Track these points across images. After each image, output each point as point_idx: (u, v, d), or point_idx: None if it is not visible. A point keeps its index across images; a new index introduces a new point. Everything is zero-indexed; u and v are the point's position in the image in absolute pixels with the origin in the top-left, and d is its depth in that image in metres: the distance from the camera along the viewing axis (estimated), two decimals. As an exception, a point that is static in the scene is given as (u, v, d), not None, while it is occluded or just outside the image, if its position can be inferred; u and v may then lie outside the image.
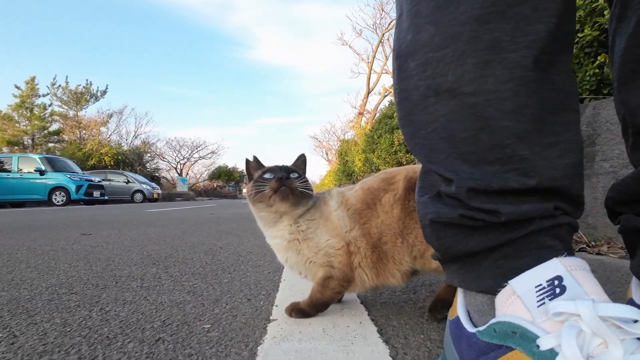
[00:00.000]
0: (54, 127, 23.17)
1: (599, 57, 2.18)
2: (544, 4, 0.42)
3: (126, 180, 16.72)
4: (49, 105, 23.04)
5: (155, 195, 17.13)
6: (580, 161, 0.47)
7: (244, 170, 0.92)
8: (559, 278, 0.39)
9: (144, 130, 34.40)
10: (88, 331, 0.78)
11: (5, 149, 19.50)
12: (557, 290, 0.38)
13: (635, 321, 0.34)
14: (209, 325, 0.80)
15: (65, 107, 24.36)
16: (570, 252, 0.44)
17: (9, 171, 11.28)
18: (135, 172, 20.84)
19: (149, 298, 1.03)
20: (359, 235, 0.79)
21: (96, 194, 12.63)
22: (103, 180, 14.70)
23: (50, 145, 22.74)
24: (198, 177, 38.10)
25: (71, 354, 0.67)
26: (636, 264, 0.56)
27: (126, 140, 28.08)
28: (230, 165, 40.92)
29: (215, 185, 37.13)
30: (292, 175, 0.83)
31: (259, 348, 0.67)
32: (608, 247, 1.70)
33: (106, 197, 13.49)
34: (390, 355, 0.63)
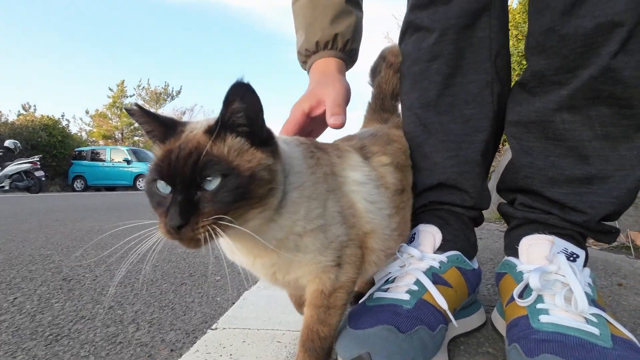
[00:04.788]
0: (139, 122, 26.32)
1: None
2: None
3: (196, 170, 18.48)
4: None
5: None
6: (468, 169, 0.71)
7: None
8: (414, 234, 0.71)
9: (211, 125, 37.54)
10: (141, 277, 1.13)
11: (101, 142, 22.76)
12: (412, 239, 0.70)
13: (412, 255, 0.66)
14: (219, 278, 1.10)
15: (148, 106, 27.55)
16: (438, 223, 0.70)
17: (104, 161, 13.25)
18: (205, 163, 22.77)
19: (186, 259, 1.37)
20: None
21: (171, 182, 14.21)
22: (177, 170, 16.44)
23: (136, 138, 25.84)
24: (259, 167, 40.36)
25: (127, 286, 1.01)
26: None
27: (197, 134, 30.78)
28: (289, 157, 42.60)
29: (275, 176, 38.92)
30: (198, 197, 0.42)
31: (245, 292, 0.94)
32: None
33: (179, 185, 15.10)
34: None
